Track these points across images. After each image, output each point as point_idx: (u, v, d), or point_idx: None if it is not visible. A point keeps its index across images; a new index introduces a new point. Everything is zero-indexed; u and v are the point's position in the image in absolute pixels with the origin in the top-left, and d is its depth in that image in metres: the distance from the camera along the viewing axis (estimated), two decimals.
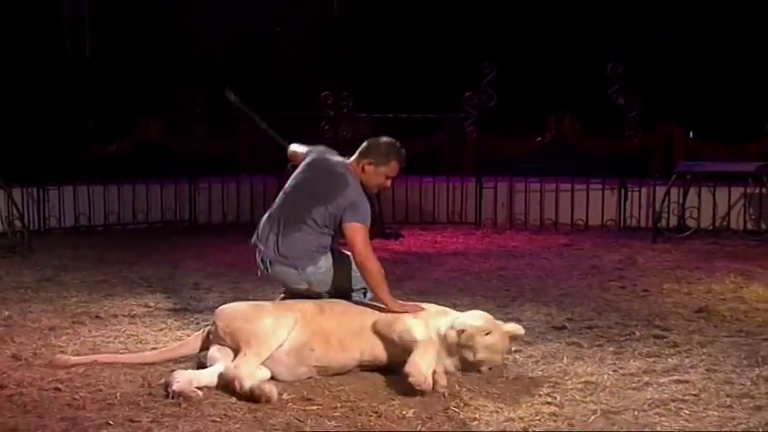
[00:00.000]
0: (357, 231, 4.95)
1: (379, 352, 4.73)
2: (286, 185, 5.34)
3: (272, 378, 4.57)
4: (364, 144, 5.21)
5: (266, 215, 5.32)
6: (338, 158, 5.29)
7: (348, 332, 4.70)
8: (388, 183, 5.27)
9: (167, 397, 4.26)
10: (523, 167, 11.52)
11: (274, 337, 4.53)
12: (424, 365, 4.37)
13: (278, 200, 5.33)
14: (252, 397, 4.23)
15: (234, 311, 4.73)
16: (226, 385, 4.36)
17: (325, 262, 5.12)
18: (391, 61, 14.84)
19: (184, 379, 4.35)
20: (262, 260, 5.21)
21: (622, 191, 10.92)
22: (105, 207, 11.02)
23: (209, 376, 4.47)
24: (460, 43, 14.26)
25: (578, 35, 13.86)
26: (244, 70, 14.54)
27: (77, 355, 5.11)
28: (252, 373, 4.37)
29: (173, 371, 4.61)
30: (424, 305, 5.01)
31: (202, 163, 11.79)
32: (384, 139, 5.23)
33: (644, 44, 13.29)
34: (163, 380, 4.51)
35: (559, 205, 11.08)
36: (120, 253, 9.03)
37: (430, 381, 4.35)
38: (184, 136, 12.21)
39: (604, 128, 12.24)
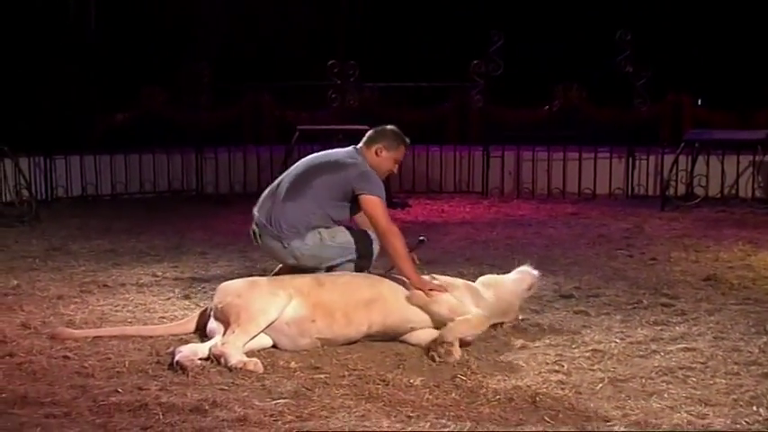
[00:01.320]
0: (376, 205, 4.94)
1: (390, 323, 4.72)
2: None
3: (275, 347, 4.60)
4: (370, 132, 5.24)
5: (269, 187, 5.34)
6: (344, 149, 5.33)
7: (354, 304, 4.66)
8: (396, 168, 5.32)
9: (172, 369, 4.28)
10: (531, 136, 11.47)
11: (264, 314, 4.51)
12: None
13: (282, 174, 5.36)
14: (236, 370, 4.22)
15: (227, 287, 4.74)
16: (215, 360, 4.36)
17: (313, 238, 5.10)
18: (398, 30, 14.74)
19: (188, 350, 4.38)
20: (253, 231, 5.25)
21: (630, 159, 10.88)
22: (112, 177, 11.02)
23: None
24: (468, 11, 14.16)
25: (586, 3, 13.74)
26: (249, 40, 14.46)
27: (85, 323, 5.14)
28: (238, 349, 4.37)
29: (181, 340, 4.64)
30: (447, 280, 4.97)
31: (208, 133, 11.77)
32: (389, 126, 5.34)
33: (652, 11, 13.17)
34: (171, 348, 4.53)
35: (567, 174, 11.04)
36: (127, 222, 9.04)
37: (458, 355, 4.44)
38: (189, 106, 12.17)
39: (612, 96, 12.16)
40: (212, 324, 4.65)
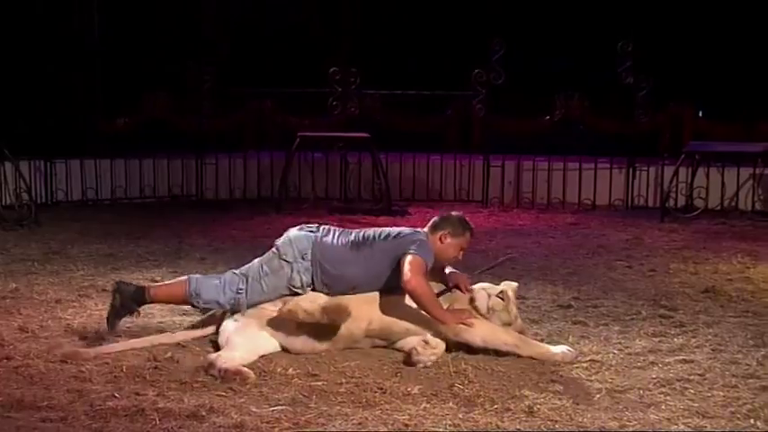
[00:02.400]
0: (419, 264, 4.69)
1: (387, 324, 4.75)
2: None
3: (285, 350, 4.65)
4: (436, 219, 5.01)
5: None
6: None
7: (357, 301, 4.76)
8: (461, 255, 5.06)
9: (216, 379, 4.23)
10: (532, 146, 11.47)
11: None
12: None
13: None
14: (227, 378, 4.22)
15: None
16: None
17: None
18: (400, 37, 14.76)
19: (230, 357, 4.37)
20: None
21: (630, 170, 10.86)
22: (112, 181, 11.01)
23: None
24: (470, 20, 14.17)
25: (588, 13, 13.76)
26: (252, 45, 14.48)
27: (84, 328, 5.13)
28: (232, 357, 4.39)
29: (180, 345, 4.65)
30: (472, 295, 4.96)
31: (209, 138, 11.77)
32: (455, 212, 5.11)
33: (654, 22, 13.19)
34: (169, 354, 4.53)
35: (567, 184, 11.03)
36: (126, 227, 9.04)
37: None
38: (191, 111, 12.18)
39: (613, 107, 12.16)
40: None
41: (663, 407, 3.96)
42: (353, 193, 11.06)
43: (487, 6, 14.08)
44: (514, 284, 5.12)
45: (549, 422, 3.77)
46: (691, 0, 13.21)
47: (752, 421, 3.79)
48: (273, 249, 4.89)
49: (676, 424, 3.76)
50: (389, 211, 10.21)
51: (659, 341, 5.00)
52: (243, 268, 4.88)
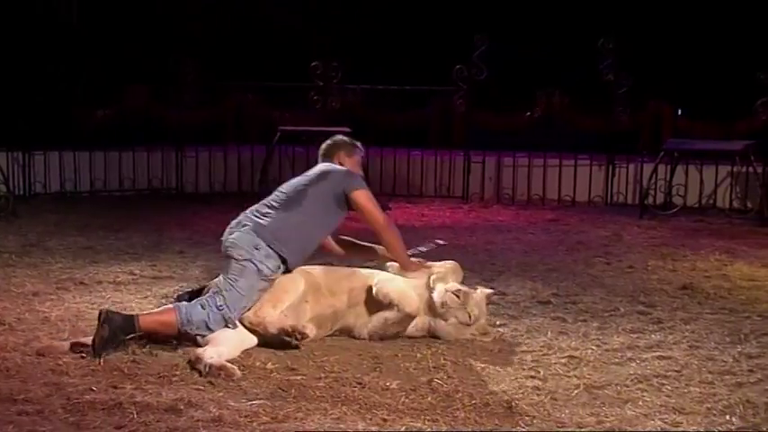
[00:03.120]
0: (365, 196, 4.98)
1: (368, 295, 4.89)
2: None
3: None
4: (325, 147, 5.26)
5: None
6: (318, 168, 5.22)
7: (335, 278, 4.95)
8: (361, 170, 5.30)
9: (201, 374, 4.21)
10: (512, 142, 11.50)
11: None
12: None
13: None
14: (212, 374, 4.20)
15: None
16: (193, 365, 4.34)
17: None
18: (382, 32, 14.74)
19: (216, 353, 4.35)
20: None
21: (610, 167, 10.93)
22: (91, 173, 10.95)
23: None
24: (452, 16, 14.18)
25: (570, 10, 13.80)
26: (233, 39, 14.42)
27: (61, 321, 5.10)
28: (218, 352, 4.37)
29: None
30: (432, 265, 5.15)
31: (190, 131, 11.72)
32: (337, 136, 5.37)
33: (635, 20, 13.24)
34: (147, 348, 4.50)
35: (547, 181, 11.08)
36: (105, 220, 8.99)
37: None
38: (172, 104, 12.12)
39: (593, 104, 12.21)
40: None
41: (640, 403, 3.98)
42: None
43: (470, 2, 14.09)
44: (488, 291, 5.17)
45: (527, 417, 3.78)
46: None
47: (728, 417, 3.81)
48: (227, 257, 4.84)
49: (653, 420, 3.78)
50: None
51: (637, 337, 5.03)
52: (212, 288, 4.80)
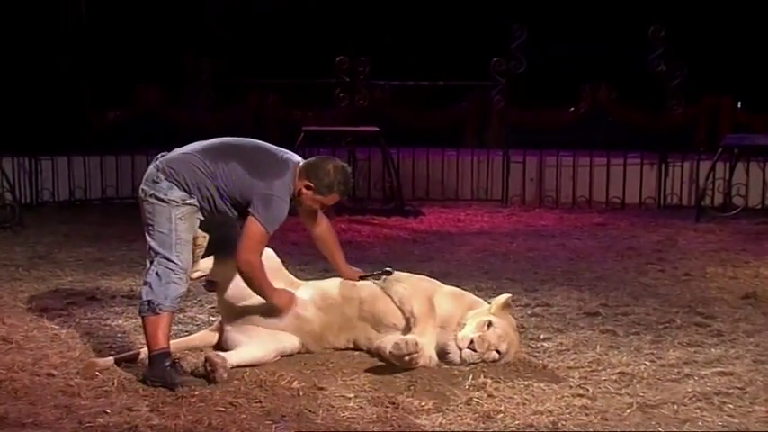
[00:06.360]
0: (253, 233, 4.57)
1: (379, 307, 4.92)
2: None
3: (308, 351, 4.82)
4: (312, 162, 4.81)
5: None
6: (290, 156, 4.89)
7: (346, 287, 5.03)
8: (320, 208, 4.97)
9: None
10: (555, 140, 11.47)
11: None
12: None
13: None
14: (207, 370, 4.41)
15: None
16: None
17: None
18: (413, 24, 14.77)
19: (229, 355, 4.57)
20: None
21: (663, 166, 10.87)
22: (102, 180, 11.05)
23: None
24: (488, 3, 14.17)
25: None
26: (253, 35, 14.50)
27: (71, 339, 5.14)
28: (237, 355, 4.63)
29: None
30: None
31: (207, 133, 11.77)
32: (332, 165, 4.78)
33: (688, 5, 13.16)
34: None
35: (594, 181, 11.03)
36: (118, 229, 9.06)
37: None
38: (188, 105, 12.22)
39: (644, 98, 12.16)
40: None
41: (699, 423, 3.95)
42: (363, 192, 11.06)
43: None
44: (504, 297, 4.88)
45: None
46: None
47: None
48: (150, 204, 4.94)
49: None
50: (401, 210, 10.21)
51: (695, 351, 4.99)
52: (151, 253, 4.63)
